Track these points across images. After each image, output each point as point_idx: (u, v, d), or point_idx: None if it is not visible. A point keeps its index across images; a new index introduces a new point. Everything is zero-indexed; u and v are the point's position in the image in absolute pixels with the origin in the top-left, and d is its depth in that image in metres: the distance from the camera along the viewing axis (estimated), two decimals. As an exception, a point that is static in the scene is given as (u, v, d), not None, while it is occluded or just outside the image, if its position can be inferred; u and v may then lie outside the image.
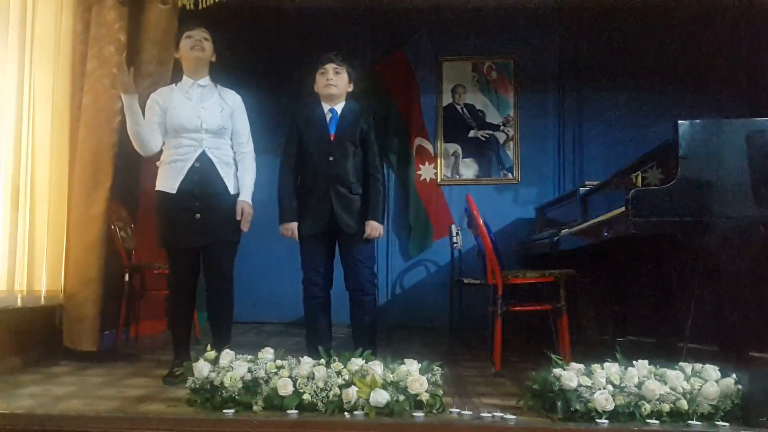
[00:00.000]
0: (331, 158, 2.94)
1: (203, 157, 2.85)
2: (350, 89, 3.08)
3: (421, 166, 5.52)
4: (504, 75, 5.62)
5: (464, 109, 5.63)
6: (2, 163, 3.03)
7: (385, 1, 5.32)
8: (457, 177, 5.58)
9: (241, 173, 2.96)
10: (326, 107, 3.03)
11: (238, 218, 2.90)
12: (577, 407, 2.11)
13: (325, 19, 5.32)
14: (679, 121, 2.62)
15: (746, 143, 2.60)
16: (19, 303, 3.10)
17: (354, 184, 2.96)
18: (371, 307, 2.99)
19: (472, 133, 5.60)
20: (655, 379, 2.19)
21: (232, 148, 2.96)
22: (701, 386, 2.17)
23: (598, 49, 5.44)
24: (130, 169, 3.75)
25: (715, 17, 4.95)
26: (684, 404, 2.13)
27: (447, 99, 5.64)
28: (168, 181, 2.85)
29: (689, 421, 2.11)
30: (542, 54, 5.56)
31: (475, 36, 5.58)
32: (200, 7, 3.42)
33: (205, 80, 2.96)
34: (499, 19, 5.43)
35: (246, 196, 2.94)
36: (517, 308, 3.25)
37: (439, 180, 5.55)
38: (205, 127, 2.86)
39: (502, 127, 5.58)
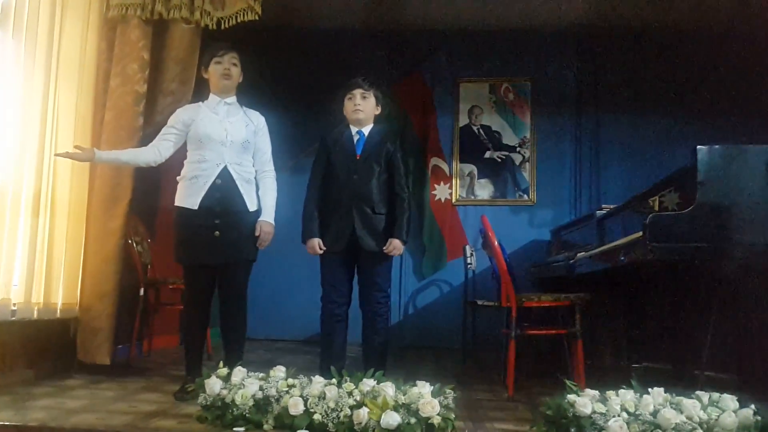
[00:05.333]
0: (355, 176, 2.95)
1: (225, 174, 2.87)
2: (378, 112, 3.11)
3: (436, 186, 5.52)
4: (521, 97, 5.63)
5: (480, 130, 5.64)
6: (25, 176, 3.08)
7: (404, 23, 5.42)
8: (473, 197, 5.57)
9: (263, 193, 2.99)
10: (354, 129, 3.06)
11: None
12: (591, 435, 2.07)
13: (344, 41, 5.41)
14: (698, 147, 2.59)
15: (766, 169, 2.57)
16: (35, 315, 3.13)
17: (377, 203, 2.97)
18: (383, 328, 2.98)
19: (488, 154, 5.60)
20: (671, 407, 2.13)
21: (254, 167, 3.00)
22: (718, 416, 2.11)
23: (616, 72, 5.45)
24: (149, 184, 3.79)
25: (734, 42, 4.93)
26: (701, 434, 2.08)
27: (464, 120, 5.66)
28: (189, 197, 2.86)
29: (706, 452, 2.06)
30: (560, 76, 5.57)
31: (492, 58, 5.61)
32: (222, 27, 3.48)
33: (232, 99, 3.00)
34: (516, 41, 5.49)
35: (267, 216, 2.97)
36: (532, 332, 3.21)
37: (454, 200, 5.54)
38: (231, 139, 2.89)
39: (518, 149, 5.57)
